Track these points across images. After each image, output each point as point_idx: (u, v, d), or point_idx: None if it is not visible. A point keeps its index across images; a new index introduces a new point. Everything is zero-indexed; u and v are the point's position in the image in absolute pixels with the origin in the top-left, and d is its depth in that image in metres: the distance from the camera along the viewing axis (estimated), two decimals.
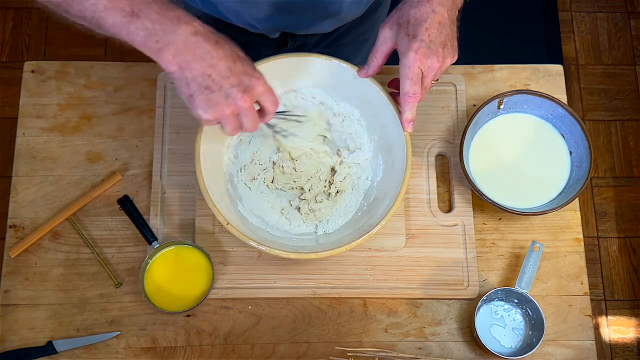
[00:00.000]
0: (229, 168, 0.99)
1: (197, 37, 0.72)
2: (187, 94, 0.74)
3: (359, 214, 0.98)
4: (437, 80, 0.86)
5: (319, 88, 1.00)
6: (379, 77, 0.95)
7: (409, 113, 0.87)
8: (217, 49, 0.73)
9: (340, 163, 1.01)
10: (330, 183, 1.01)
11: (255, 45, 1.10)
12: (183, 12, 0.73)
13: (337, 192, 1.00)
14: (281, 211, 0.99)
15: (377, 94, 0.95)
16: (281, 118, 0.97)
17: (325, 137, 1.02)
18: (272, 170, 1.00)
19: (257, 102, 0.79)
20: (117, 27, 0.71)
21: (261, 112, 0.81)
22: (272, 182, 1.00)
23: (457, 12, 0.86)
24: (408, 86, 0.84)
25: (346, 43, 1.17)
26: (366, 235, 0.88)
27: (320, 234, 0.97)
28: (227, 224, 0.87)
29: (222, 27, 1.04)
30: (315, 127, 1.01)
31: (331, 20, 1.00)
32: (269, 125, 0.95)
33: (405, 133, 0.92)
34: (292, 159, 1.01)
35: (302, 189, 1.00)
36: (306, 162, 1.00)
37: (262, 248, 0.87)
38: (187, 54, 0.72)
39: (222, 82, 0.73)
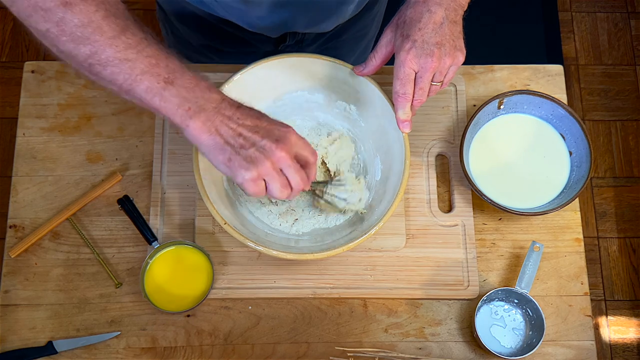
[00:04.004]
0: None
1: (224, 103, 0.76)
2: (224, 160, 0.75)
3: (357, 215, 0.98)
4: (442, 82, 0.86)
5: (318, 90, 1.00)
6: (378, 77, 0.95)
7: (401, 112, 0.87)
8: (242, 110, 0.76)
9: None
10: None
11: (254, 41, 1.10)
12: (211, 81, 0.77)
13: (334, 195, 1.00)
14: (279, 212, 0.99)
15: (374, 94, 0.95)
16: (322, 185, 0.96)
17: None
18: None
19: (295, 156, 0.78)
20: (151, 92, 0.73)
21: (303, 167, 0.80)
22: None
23: (460, 12, 0.85)
24: (398, 86, 0.85)
25: (344, 39, 1.17)
26: (365, 236, 0.88)
27: (318, 234, 0.97)
28: (225, 223, 0.87)
29: (221, 24, 1.04)
30: (356, 181, 0.98)
31: (332, 18, 1.00)
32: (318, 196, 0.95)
33: (404, 134, 0.91)
34: None
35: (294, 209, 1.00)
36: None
37: (260, 249, 0.87)
38: (216, 119, 0.74)
39: (253, 137, 0.75)
